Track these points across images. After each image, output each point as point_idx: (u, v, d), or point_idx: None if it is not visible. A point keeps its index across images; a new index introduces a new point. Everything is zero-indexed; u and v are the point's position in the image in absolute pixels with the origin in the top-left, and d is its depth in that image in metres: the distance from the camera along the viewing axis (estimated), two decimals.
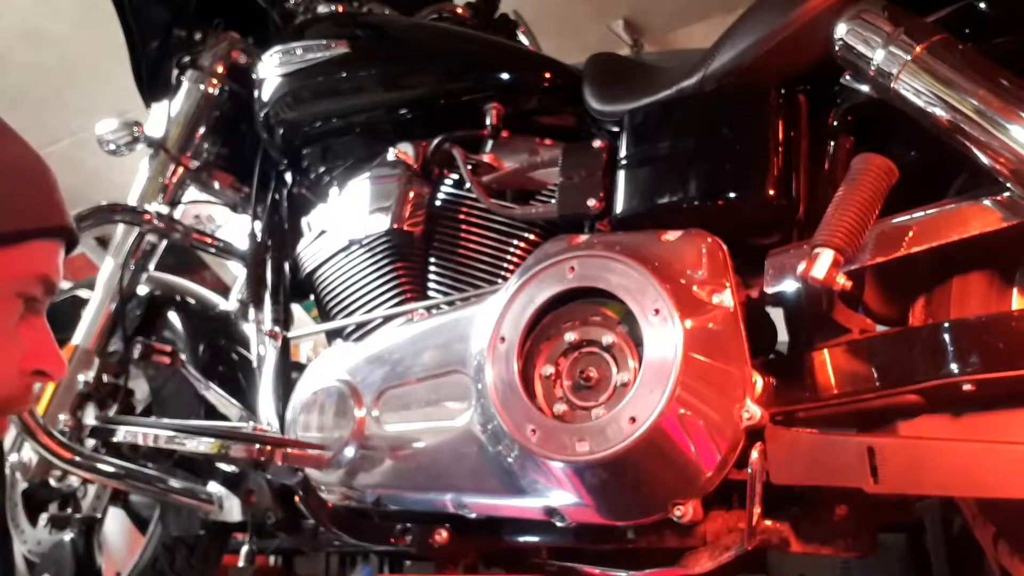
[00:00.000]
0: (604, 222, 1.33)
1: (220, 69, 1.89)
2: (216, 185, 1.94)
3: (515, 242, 1.44)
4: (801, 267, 1.04)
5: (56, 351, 0.87)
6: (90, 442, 1.74)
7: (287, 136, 1.68)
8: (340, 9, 1.74)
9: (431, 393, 1.35)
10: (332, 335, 1.60)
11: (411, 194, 1.51)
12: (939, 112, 1.04)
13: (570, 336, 1.21)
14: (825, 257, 1.02)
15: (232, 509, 1.69)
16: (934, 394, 1.06)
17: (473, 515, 1.33)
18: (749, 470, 1.11)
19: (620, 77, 1.43)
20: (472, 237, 1.48)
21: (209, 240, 1.89)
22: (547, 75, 1.51)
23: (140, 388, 1.88)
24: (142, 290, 1.89)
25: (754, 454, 1.11)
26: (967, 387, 1.03)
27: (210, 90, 1.88)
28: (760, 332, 1.19)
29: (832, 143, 1.22)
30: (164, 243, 1.85)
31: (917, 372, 1.07)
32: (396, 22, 1.76)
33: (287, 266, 1.75)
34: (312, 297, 1.69)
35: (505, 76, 1.54)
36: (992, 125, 1.00)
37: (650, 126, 1.29)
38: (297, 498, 1.52)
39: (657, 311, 1.14)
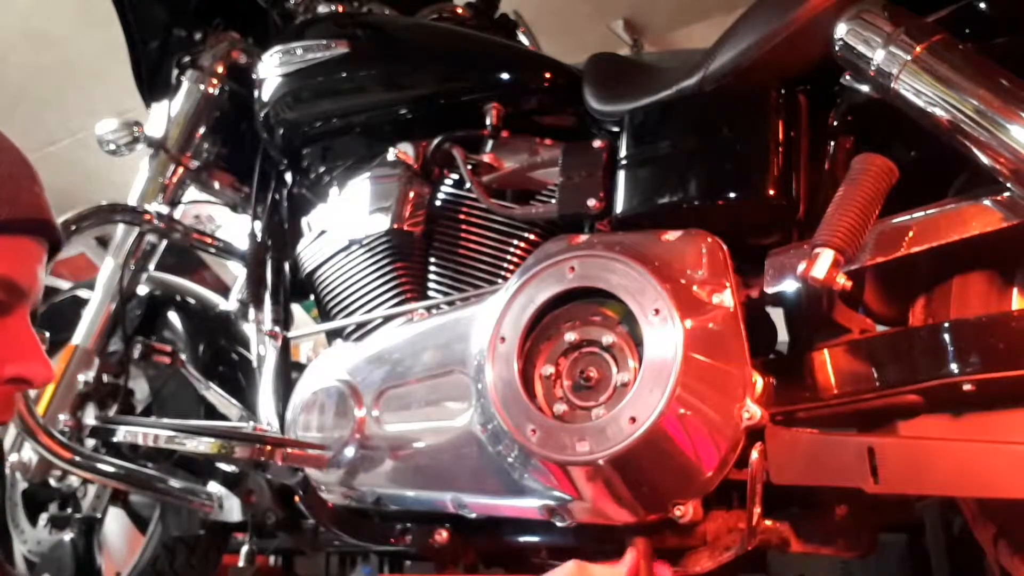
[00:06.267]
0: (604, 222, 1.33)
1: (220, 69, 1.89)
2: (216, 185, 1.94)
3: (515, 242, 1.44)
4: (801, 267, 1.04)
5: (36, 354, 0.77)
6: (90, 442, 1.74)
7: (287, 136, 1.68)
8: (340, 9, 1.74)
9: (431, 393, 1.35)
10: (332, 335, 1.60)
11: (411, 194, 1.51)
12: (939, 112, 1.04)
13: (570, 336, 1.21)
14: (825, 257, 1.02)
15: (232, 509, 1.69)
16: (934, 394, 1.06)
17: (473, 515, 1.33)
18: (749, 470, 1.11)
19: (620, 77, 1.43)
20: (472, 237, 1.47)
21: (209, 240, 1.89)
22: (547, 75, 1.51)
23: (140, 388, 1.88)
24: (142, 290, 1.89)
25: (754, 454, 1.11)
26: (967, 387, 1.03)
27: (210, 90, 1.88)
28: (760, 332, 1.19)
29: (832, 143, 1.22)
30: (164, 243, 1.85)
31: (917, 372, 1.07)
32: (396, 22, 1.76)
33: (287, 266, 1.75)
34: (312, 297, 1.69)
35: (505, 76, 1.54)
36: (992, 125, 1.00)
37: (650, 126, 1.29)
38: (297, 498, 1.52)
39: (657, 311, 1.14)
